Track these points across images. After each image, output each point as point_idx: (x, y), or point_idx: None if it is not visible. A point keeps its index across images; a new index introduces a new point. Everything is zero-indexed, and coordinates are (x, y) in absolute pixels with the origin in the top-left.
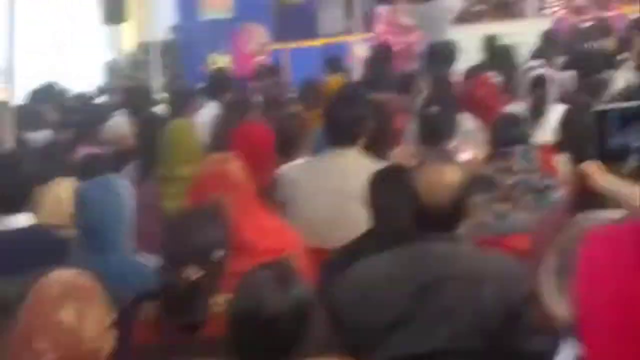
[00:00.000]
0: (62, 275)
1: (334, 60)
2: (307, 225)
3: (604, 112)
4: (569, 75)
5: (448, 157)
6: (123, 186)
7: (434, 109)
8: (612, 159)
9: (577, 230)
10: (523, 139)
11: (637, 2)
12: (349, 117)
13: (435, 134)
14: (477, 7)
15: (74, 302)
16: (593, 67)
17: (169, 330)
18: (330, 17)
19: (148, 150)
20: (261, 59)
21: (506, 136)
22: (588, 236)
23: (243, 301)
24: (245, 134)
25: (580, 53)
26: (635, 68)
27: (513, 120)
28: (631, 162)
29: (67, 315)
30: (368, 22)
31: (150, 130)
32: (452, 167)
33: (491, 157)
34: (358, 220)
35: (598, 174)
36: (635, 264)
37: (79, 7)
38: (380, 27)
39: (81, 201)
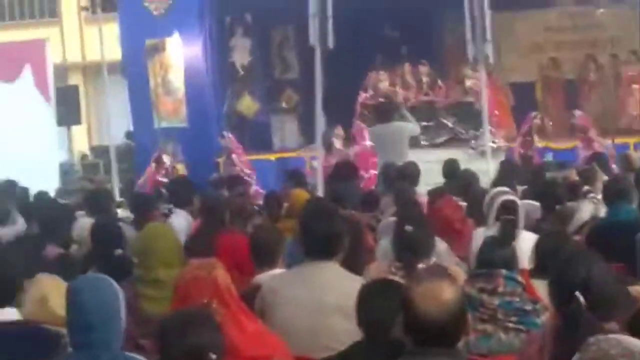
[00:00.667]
0: None
1: (297, 174)
2: (287, 334)
3: None
4: (531, 204)
5: (442, 273)
6: (114, 286)
7: (410, 227)
8: None
9: (594, 350)
10: (509, 263)
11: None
12: (328, 231)
13: (414, 252)
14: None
15: None
16: (558, 197)
17: None
18: (286, 132)
19: (104, 255)
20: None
21: (493, 258)
22: None
23: None
24: (226, 242)
25: (545, 183)
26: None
27: (500, 243)
28: None
29: None
30: (325, 140)
31: (101, 235)
32: (449, 281)
33: (475, 278)
34: (339, 332)
35: None
36: None
37: (34, 107)
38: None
39: (75, 299)
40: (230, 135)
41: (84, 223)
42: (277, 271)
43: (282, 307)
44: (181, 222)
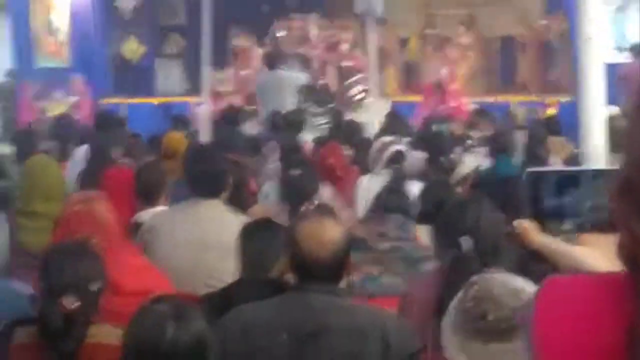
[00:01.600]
0: None
1: (181, 118)
2: (168, 271)
3: (539, 174)
4: (419, 154)
5: (327, 213)
6: None
7: (295, 171)
8: (547, 220)
9: (476, 289)
10: (404, 210)
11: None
12: (212, 170)
13: (299, 194)
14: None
15: None
16: (442, 147)
17: (44, 357)
18: (171, 77)
19: None
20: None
21: (388, 203)
22: (545, 287)
23: (142, 334)
24: (113, 177)
25: (430, 133)
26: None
27: (395, 190)
28: (567, 223)
29: None
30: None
31: None
32: (333, 221)
33: (366, 221)
34: (219, 269)
35: (535, 233)
36: (603, 321)
37: None
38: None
39: None
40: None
41: None
42: (159, 208)
43: (162, 244)
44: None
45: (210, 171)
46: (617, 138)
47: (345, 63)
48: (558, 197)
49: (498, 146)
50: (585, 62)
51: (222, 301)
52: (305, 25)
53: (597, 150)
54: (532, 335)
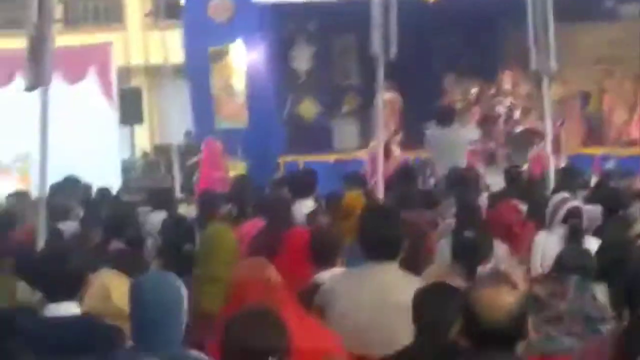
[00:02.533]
0: None
1: (355, 176)
2: (345, 331)
3: None
4: (594, 209)
5: (504, 278)
6: (178, 283)
7: (469, 232)
8: None
9: None
10: (584, 269)
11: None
12: (388, 233)
13: (473, 257)
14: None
15: None
16: (621, 202)
17: None
18: (346, 134)
19: (173, 249)
20: None
21: (568, 263)
22: None
23: None
24: (294, 239)
25: (609, 189)
26: None
27: (576, 249)
28: None
29: None
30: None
31: (171, 232)
32: (509, 287)
33: (546, 280)
34: (398, 330)
35: None
36: None
37: (97, 105)
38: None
39: (140, 296)
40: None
41: (152, 218)
42: (338, 270)
43: (342, 304)
44: None
45: (385, 236)
46: None
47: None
48: None
49: None
50: None
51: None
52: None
53: None
54: None
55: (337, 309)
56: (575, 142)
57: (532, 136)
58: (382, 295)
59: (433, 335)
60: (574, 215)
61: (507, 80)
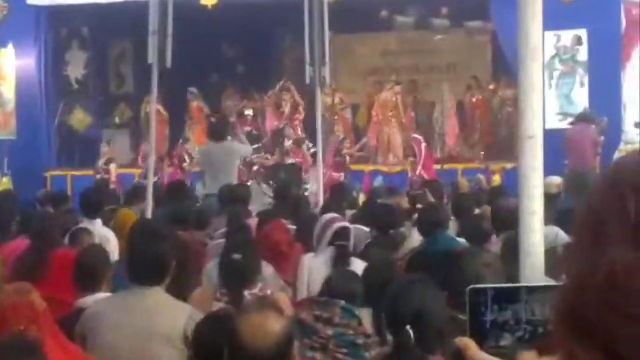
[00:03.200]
0: None
1: (132, 192)
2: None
3: (479, 290)
4: (361, 229)
5: (269, 304)
6: None
7: (237, 255)
8: (487, 335)
9: None
10: (351, 295)
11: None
12: (154, 256)
13: (240, 281)
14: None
15: None
16: (391, 222)
17: None
18: (117, 146)
19: None
20: None
21: (335, 288)
22: None
23: None
24: (61, 259)
25: (379, 207)
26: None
27: (343, 274)
28: (506, 339)
29: None
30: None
31: None
32: (275, 313)
33: (313, 305)
34: (159, 359)
35: (475, 350)
36: None
37: None
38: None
39: None
40: None
41: None
42: (102, 295)
43: (105, 333)
44: None
45: (153, 258)
46: (553, 210)
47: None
48: (498, 312)
49: (430, 222)
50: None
51: None
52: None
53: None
54: None
55: (99, 338)
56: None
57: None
58: (145, 322)
59: None
60: (341, 236)
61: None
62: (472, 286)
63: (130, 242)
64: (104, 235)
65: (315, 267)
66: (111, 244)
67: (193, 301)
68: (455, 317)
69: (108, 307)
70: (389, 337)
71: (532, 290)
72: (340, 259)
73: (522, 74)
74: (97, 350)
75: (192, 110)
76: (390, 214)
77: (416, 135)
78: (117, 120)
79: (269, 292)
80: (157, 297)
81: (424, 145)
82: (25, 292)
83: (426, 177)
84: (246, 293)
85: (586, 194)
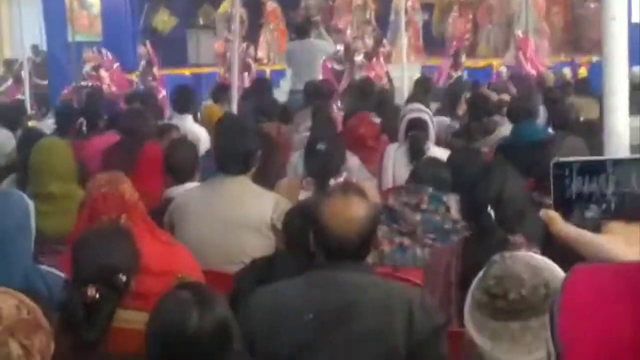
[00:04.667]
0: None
1: (219, 88)
2: (196, 249)
3: (563, 164)
4: (444, 120)
5: (352, 189)
6: (25, 199)
7: (322, 145)
8: (572, 208)
9: (497, 267)
10: (438, 181)
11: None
12: (239, 148)
13: (325, 170)
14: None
15: (20, 335)
16: (487, 109)
17: (66, 345)
18: (201, 47)
19: (26, 165)
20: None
21: (422, 175)
22: (571, 276)
23: (166, 321)
24: (150, 152)
25: (477, 95)
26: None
27: (433, 162)
28: (591, 210)
29: (15, 349)
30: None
31: (28, 146)
32: (359, 199)
33: (400, 191)
34: (246, 246)
35: (560, 223)
36: (621, 309)
37: None
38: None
39: None
40: (149, 46)
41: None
42: (190, 185)
43: (191, 221)
44: None
45: (238, 149)
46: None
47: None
48: (582, 185)
49: (518, 111)
50: (608, 21)
51: (259, 277)
52: None
53: (619, 112)
54: (557, 323)
55: (186, 225)
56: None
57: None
58: (233, 210)
59: (297, 248)
60: (415, 126)
61: None
62: (555, 159)
63: (217, 134)
64: (195, 132)
65: (398, 157)
66: (202, 139)
67: (280, 190)
68: (541, 201)
69: (195, 196)
70: (472, 223)
71: (617, 162)
72: (414, 149)
73: None
74: (186, 237)
75: (267, 13)
76: (484, 101)
77: (519, 33)
78: (200, 20)
79: (354, 180)
80: (244, 185)
81: (529, 42)
82: (116, 182)
83: (534, 71)
84: (331, 181)
85: None
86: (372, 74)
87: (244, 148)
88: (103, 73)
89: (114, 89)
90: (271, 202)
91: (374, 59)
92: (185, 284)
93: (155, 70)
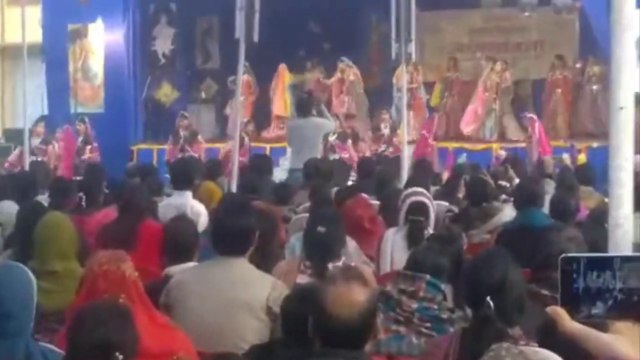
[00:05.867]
0: None
1: (214, 165)
2: (193, 330)
3: (571, 259)
4: (443, 204)
5: (354, 274)
6: (28, 274)
7: (322, 228)
8: (578, 304)
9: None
10: (438, 270)
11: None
12: (238, 228)
13: (324, 253)
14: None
15: None
16: (486, 194)
17: None
18: (202, 121)
19: (26, 238)
20: None
21: (420, 262)
22: None
23: None
24: (148, 231)
25: (476, 179)
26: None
27: (431, 249)
28: (596, 309)
29: None
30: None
31: (30, 220)
32: (359, 285)
33: (398, 278)
34: (245, 330)
35: (567, 319)
36: None
37: None
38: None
39: None
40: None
41: (7, 206)
42: (189, 265)
43: (189, 302)
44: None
45: (236, 230)
46: None
47: None
48: (589, 280)
49: (525, 197)
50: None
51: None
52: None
53: (625, 206)
54: None
55: (184, 307)
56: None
57: None
58: (229, 292)
59: (296, 334)
60: (417, 210)
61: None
62: (564, 254)
63: (215, 214)
64: (195, 208)
65: (397, 241)
66: (202, 216)
67: (277, 273)
68: (537, 292)
69: (193, 277)
70: (469, 312)
71: (625, 259)
72: (414, 234)
73: (614, 44)
74: (183, 319)
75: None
76: (482, 186)
77: (529, 115)
78: (203, 94)
79: (352, 264)
80: (241, 268)
81: (537, 123)
82: (117, 261)
83: (542, 155)
84: (330, 265)
85: None
86: (346, 155)
87: (242, 228)
88: (51, 149)
89: (57, 165)
90: (268, 286)
91: (349, 141)
92: None
93: (199, 137)
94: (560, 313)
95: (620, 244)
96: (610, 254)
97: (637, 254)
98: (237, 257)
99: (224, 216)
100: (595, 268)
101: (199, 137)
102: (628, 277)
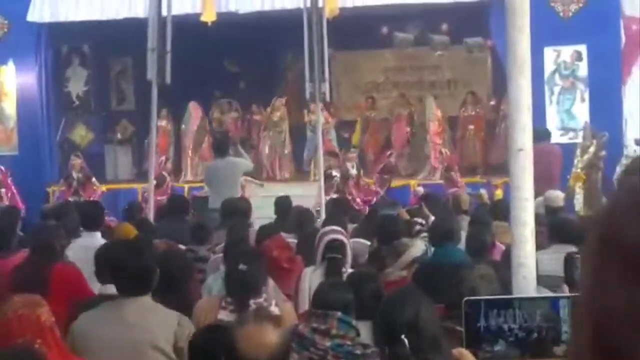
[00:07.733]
0: None
1: (132, 206)
2: None
3: (473, 302)
4: (360, 242)
5: (266, 316)
6: None
7: (243, 265)
8: (481, 343)
9: None
10: (346, 306)
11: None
12: (137, 268)
13: (246, 290)
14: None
15: None
16: (395, 232)
17: None
18: (119, 162)
19: None
20: None
21: (329, 299)
22: None
23: None
24: (60, 274)
25: (383, 217)
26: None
27: (338, 285)
28: (498, 346)
29: None
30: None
31: None
32: (272, 324)
33: (310, 317)
34: None
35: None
36: None
37: None
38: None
39: None
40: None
41: None
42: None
43: (94, 348)
44: None
45: (136, 270)
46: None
47: None
48: (490, 319)
49: (440, 234)
50: (516, 152)
51: None
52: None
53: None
54: None
55: (88, 349)
56: None
57: None
58: (133, 333)
59: None
60: (333, 249)
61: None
62: (466, 298)
63: (115, 256)
64: None
65: (314, 280)
66: None
67: (198, 310)
68: (452, 328)
69: (95, 322)
70: (386, 349)
71: (523, 300)
72: (332, 272)
73: (510, 86)
74: None
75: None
76: (393, 224)
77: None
78: (119, 135)
79: (273, 302)
80: (143, 306)
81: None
82: (33, 305)
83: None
84: (251, 302)
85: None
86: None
87: (141, 268)
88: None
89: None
90: (173, 321)
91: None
92: None
93: (94, 180)
94: (464, 354)
95: (522, 284)
96: (509, 296)
97: (532, 295)
98: (139, 296)
99: (122, 257)
100: (496, 307)
101: (93, 179)
102: (525, 315)
